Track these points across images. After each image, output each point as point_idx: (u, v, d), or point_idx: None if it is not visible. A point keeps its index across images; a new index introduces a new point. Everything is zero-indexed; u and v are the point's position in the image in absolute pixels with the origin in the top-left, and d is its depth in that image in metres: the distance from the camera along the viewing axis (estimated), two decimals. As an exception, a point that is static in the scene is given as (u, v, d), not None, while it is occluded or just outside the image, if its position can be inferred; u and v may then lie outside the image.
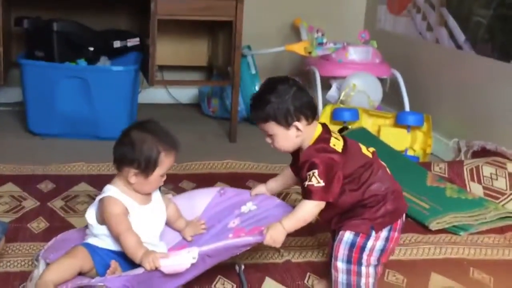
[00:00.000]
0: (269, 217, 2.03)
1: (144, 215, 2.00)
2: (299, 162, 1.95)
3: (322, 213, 1.94)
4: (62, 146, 3.35)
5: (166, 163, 1.97)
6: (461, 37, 3.51)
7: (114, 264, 1.89)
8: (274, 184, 2.21)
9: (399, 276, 2.25)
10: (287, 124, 1.89)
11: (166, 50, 3.87)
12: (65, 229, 2.21)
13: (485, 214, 2.73)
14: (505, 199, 2.89)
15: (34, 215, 2.52)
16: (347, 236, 1.93)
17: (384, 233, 1.92)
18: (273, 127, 1.91)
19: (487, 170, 3.01)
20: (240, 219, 2.10)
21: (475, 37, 3.40)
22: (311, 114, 1.92)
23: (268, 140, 1.97)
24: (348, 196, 1.92)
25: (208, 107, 4.15)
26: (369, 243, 1.91)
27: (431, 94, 3.74)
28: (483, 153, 3.21)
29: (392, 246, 1.97)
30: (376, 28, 4.33)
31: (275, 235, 1.89)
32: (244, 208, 2.14)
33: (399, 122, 3.50)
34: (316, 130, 1.95)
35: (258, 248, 2.34)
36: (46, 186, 2.80)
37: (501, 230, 2.67)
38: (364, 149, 1.99)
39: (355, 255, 1.92)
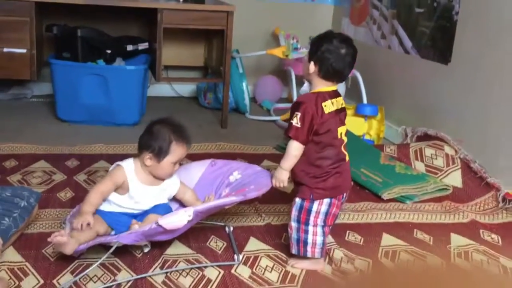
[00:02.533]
0: (251, 182, 2.03)
1: (144, 193, 2.00)
2: None
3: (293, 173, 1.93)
4: (84, 130, 3.31)
5: (177, 152, 1.97)
6: (408, 44, 3.49)
7: (134, 222, 1.90)
8: None
9: (357, 236, 2.26)
10: (309, 57, 1.90)
11: (170, 53, 3.83)
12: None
13: (426, 187, 2.74)
14: (442, 174, 2.89)
15: (62, 187, 2.50)
16: (297, 201, 1.93)
17: (326, 200, 1.91)
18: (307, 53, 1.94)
19: (428, 151, 3.02)
20: (229, 188, 2.10)
21: (420, 44, 3.39)
22: (325, 70, 1.87)
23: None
24: (305, 156, 1.90)
25: (204, 100, 4.12)
26: (314, 207, 1.91)
27: (384, 90, 3.73)
28: (425, 137, 3.20)
29: (335, 211, 1.94)
30: (341, 36, 4.30)
31: (278, 175, 1.91)
32: (231, 178, 2.14)
33: (358, 112, 3.49)
34: (325, 87, 1.90)
35: (244, 213, 2.36)
36: (72, 163, 2.78)
37: (439, 200, 2.69)
38: (342, 131, 1.94)
39: (303, 216, 1.92)
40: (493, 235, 2.38)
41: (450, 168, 2.90)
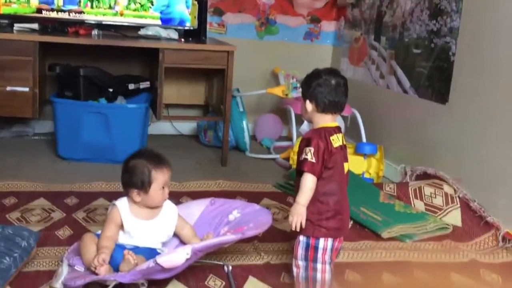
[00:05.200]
0: (251, 220, 2.03)
1: (142, 228, 2.00)
2: None
3: None
4: (85, 168, 3.32)
5: (159, 177, 1.99)
6: (406, 83, 3.53)
7: (127, 253, 1.87)
8: None
9: (357, 275, 2.24)
10: (304, 97, 1.95)
11: (171, 91, 3.88)
12: (86, 236, 2.18)
13: (426, 225, 2.73)
14: (442, 213, 2.89)
15: (61, 225, 2.49)
16: (301, 239, 1.91)
17: (330, 239, 1.90)
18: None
19: (427, 190, 3.02)
20: (228, 226, 2.09)
21: (418, 84, 3.42)
22: (323, 106, 1.91)
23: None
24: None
25: (205, 138, 4.14)
26: (321, 244, 1.89)
27: (383, 129, 3.75)
28: (424, 176, 3.21)
29: (337, 246, 1.93)
30: (340, 76, 4.35)
31: (297, 211, 1.86)
32: (231, 217, 2.14)
33: (357, 151, 3.50)
34: (327, 122, 1.93)
35: (243, 252, 2.34)
36: (71, 201, 2.77)
37: (439, 239, 2.67)
38: (346, 168, 1.96)
39: (311, 253, 1.90)
40: (494, 275, 2.35)
41: (449, 207, 2.89)
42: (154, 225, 2.02)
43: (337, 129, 1.94)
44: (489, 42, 2.86)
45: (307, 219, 1.89)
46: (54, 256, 2.17)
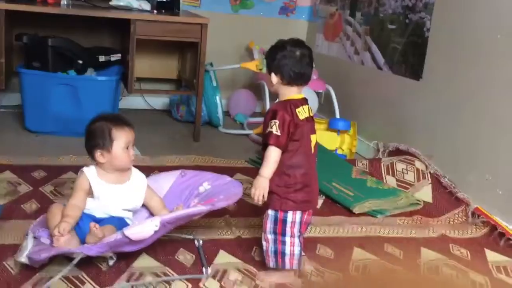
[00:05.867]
0: (222, 192, 2.00)
1: (112, 193, 1.98)
2: None
3: None
4: (53, 141, 3.24)
5: (121, 136, 1.99)
6: (381, 60, 3.52)
7: (93, 226, 1.84)
8: None
9: (328, 250, 2.24)
10: (268, 70, 1.92)
11: (143, 65, 3.80)
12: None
13: (397, 201, 2.75)
14: (413, 189, 2.90)
15: (27, 198, 2.43)
16: (270, 213, 1.90)
17: (298, 212, 1.89)
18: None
19: (399, 166, 3.03)
20: (198, 198, 2.07)
21: (392, 60, 3.41)
22: (287, 76, 1.88)
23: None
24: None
25: (177, 113, 4.08)
26: (289, 217, 1.88)
27: (357, 105, 3.74)
28: (397, 152, 3.22)
29: (307, 219, 1.93)
30: (314, 52, 4.30)
31: (259, 184, 1.84)
32: (201, 188, 2.12)
33: (331, 127, 3.49)
34: (293, 94, 1.90)
35: (214, 226, 2.32)
36: (38, 174, 2.71)
37: (409, 214, 2.70)
38: (313, 140, 1.94)
39: (279, 227, 1.89)
40: (462, 250, 2.38)
41: (420, 183, 2.91)
42: (123, 189, 2.00)
43: (303, 101, 1.93)
44: (464, 18, 2.85)
45: (274, 193, 1.88)
46: (20, 229, 2.11)
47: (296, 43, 1.93)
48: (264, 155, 1.87)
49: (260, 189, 1.84)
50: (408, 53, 3.26)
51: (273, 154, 1.85)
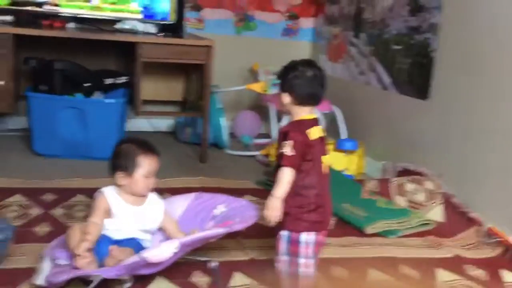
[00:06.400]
0: (237, 214, 2.00)
1: (131, 213, 1.98)
2: None
3: None
4: (61, 164, 3.24)
5: (146, 164, 2.00)
6: (387, 80, 3.54)
7: (113, 249, 1.82)
8: None
9: (342, 270, 2.23)
10: (281, 89, 1.93)
11: (148, 87, 3.79)
12: (66, 232, 2.12)
13: (410, 221, 2.74)
14: (424, 209, 2.89)
15: (39, 221, 2.42)
16: (283, 234, 1.90)
17: (312, 233, 1.89)
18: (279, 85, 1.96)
19: (409, 186, 3.03)
20: (214, 221, 2.06)
21: (398, 80, 3.43)
22: (299, 96, 1.89)
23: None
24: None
25: (183, 135, 4.09)
26: (303, 238, 1.88)
27: (363, 125, 3.76)
28: (405, 172, 3.21)
29: (321, 239, 1.92)
30: (318, 73, 4.34)
31: (272, 204, 1.84)
32: (216, 211, 2.11)
33: (338, 147, 3.49)
34: (305, 115, 1.91)
35: (228, 248, 2.31)
36: (48, 197, 2.70)
37: (422, 234, 2.68)
38: (325, 161, 1.94)
39: (293, 248, 1.89)
40: (478, 270, 2.36)
41: (431, 203, 2.90)
42: (141, 211, 2.01)
43: (315, 121, 1.94)
44: (469, 38, 2.88)
45: (288, 213, 1.87)
46: (33, 253, 2.09)
47: (308, 63, 1.95)
48: (277, 176, 1.87)
49: (273, 210, 1.85)
50: (414, 73, 3.28)
51: (286, 175, 1.85)
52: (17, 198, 2.64)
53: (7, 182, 2.81)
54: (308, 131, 1.87)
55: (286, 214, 1.87)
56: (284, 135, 1.86)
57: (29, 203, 2.60)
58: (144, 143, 2.06)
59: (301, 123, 1.89)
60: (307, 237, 1.88)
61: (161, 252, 1.73)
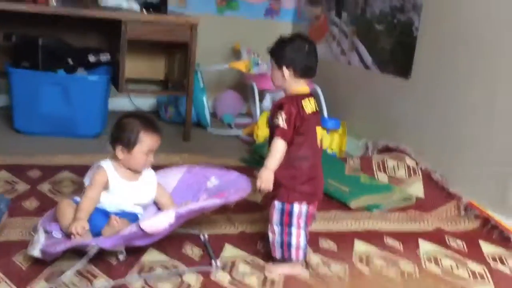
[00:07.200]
0: (230, 186, 2.03)
1: (126, 188, 2.00)
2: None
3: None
4: (44, 142, 3.21)
5: (146, 141, 2.00)
6: (368, 59, 3.59)
7: (113, 218, 1.85)
8: None
9: (331, 242, 2.29)
10: (278, 65, 1.93)
11: (129, 66, 3.74)
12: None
13: (392, 196, 2.81)
14: (405, 185, 2.97)
15: (27, 196, 2.42)
16: (276, 204, 1.93)
17: (304, 203, 1.93)
18: (272, 62, 1.96)
19: (390, 163, 3.10)
20: (207, 193, 2.09)
21: (380, 60, 3.49)
22: (300, 71, 1.92)
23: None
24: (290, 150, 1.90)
25: (165, 114, 4.09)
26: (295, 209, 1.92)
27: (345, 104, 3.80)
28: (386, 150, 3.28)
29: (312, 210, 1.97)
30: (299, 53, 4.38)
31: (264, 175, 1.87)
32: (209, 184, 2.14)
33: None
34: (300, 88, 1.94)
35: (217, 222, 2.34)
36: (34, 174, 2.69)
37: (403, 209, 2.75)
38: (319, 134, 1.97)
39: (286, 218, 1.93)
40: (458, 241, 2.45)
41: (412, 179, 2.98)
42: (136, 186, 2.03)
43: (309, 94, 1.97)
44: (452, 18, 2.95)
45: (281, 184, 1.91)
46: (23, 226, 2.11)
47: (302, 37, 1.99)
48: (270, 147, 1.91)
49: (265, 181, 1.88)
50: (396, 52, 3.34)
51: (279, 147, 1.88)
52: (3, 174, 2.63)
53: (-10, 158, 2.80)
54: (303, 104, 1.90)
55: (279, 185, 1.91)
56: (278, 107, 1.88)
57: (15, 179, 2.58)
58: (148, 120, 2.05)
59: (295, 96, 1.92)
60: (299, 208, 1.92)
61: (157, 222, 1.75)
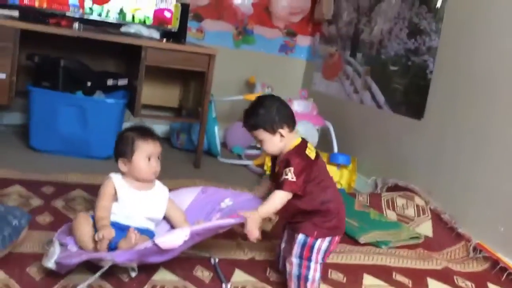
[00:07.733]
0: (244, 208, 2.04)
1: (135, 197, 2.03)
2: (276, 168, 1.98)
3: (287, 209, 1.94)
4: (59, 161, 3.25)
5: (143, 147, 2.04)
6: (381, 99, 3.64)
7: (132, 231, 1.86)
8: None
9: (340, 275, 2.29)
10: (272, 131, 1.93)
11: (145, 91, 3.83)
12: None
13: (401, 233, 2.81)
14: (413, 224, 2.98)
15: (41, 211, 2.44)
16: (300, 237, 1.95)
17: (328, 238, 1.96)
18: (261, 134, 1.95)
19: (399, 201, 3.11)
20: (220, 214, 2.11)
21: (393, 100, 3.54)
22: (292, 123, 1.96)
23: (258, 145, 2.02)
24: (309, 200, 1.93)
25: (177, 141, 4.13)
26: (317, 244, 1.94)
27: (355, 142, 3.84)
28: (395, 188, 3.29)
29: (332, 248, 1.99)
30: (312, 89, 4.46)
31: (252, 223, 1.87)
32: (223, 204, 2.15)
33: (331, 161, 3.56)
34: (295, 139, 1.98)
35: (228, 247, 2.35)
36: (48, 190, 2.71)
37: (412, 247, 2.75)
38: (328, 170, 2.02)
39: (306, 252, 1.94)
40: (467, 282, 2.44)
41: (421, 218, 2.99)
42: (145, 196, 2.05)
43: (305, 141, 2.01)
44: (466, 62, 3.00)
45: (309, 220, 1.93)
46: (37, 240, 2.12)
47: (262, 97, 2.03)
48: (271, 195, 1.92)
49: (253, 230, 1.87)
50: (409, 93, 3.39)
51: (282, 199, 1.90)
52: (17, 188, 2.66)
53: (5, 173, 2.82)
54: (306, 152, 1.94)
55: (308, 220, 1.94)
56: (285, 163, 1.90)
57: (29, 194, 2.61)
58: (143, 128, 2.11)
59: (298, 147, 1.95)
60: (320, 243, 1.95)
61: (173, 238, 1.76)
